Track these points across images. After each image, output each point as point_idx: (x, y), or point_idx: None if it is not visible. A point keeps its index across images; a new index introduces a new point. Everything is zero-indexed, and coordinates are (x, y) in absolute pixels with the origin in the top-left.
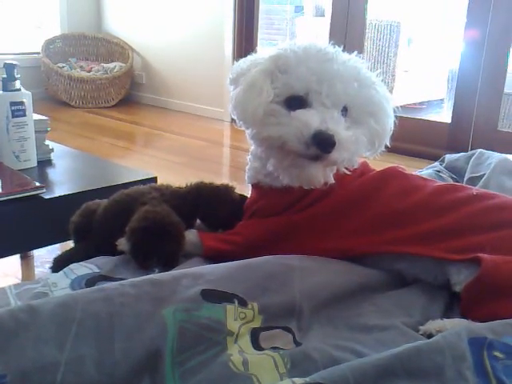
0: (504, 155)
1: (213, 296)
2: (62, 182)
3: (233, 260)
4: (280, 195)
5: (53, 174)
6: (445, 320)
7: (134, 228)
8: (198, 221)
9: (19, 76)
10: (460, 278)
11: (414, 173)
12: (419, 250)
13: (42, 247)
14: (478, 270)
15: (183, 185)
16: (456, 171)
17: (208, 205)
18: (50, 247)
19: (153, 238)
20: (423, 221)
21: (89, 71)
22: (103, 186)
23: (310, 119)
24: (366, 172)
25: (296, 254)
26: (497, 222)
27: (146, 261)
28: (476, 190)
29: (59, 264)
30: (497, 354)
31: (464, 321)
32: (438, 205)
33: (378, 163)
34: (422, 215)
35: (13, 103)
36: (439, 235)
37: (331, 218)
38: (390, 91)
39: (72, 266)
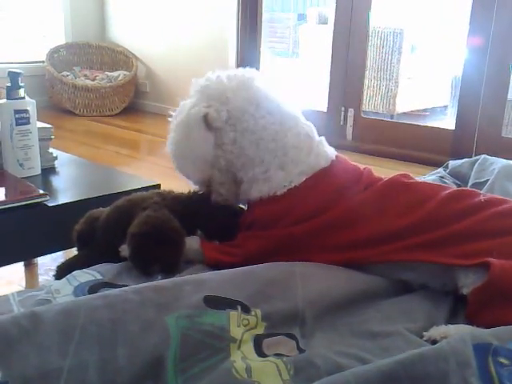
0: (508, 161)
1: (216, 302)
2: (65, 190)
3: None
4: (270, 203)
5: (56, 181)
6: (449, 326)
7: (134, 233)
8: None
9: (23, 84)
10: (467, 282)
11: (420, 179)
12: (426, 257)
13: (45, 255)
14: (486, 274)
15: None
16: (460, 177)
17: (207, 212)
18: (53, 255)
19: (152, 243)
20: (430, 230)
21: (93, 80)
22: (107, 193)
23: None
24: (372, 183)
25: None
26: (504, 228)
27: (146, 266)
28: (484, 196)
29: (62, 271)
30: (502, 360)
31: (468, 327)
32: (445, 214)
33: (383, 170)
34: (430, 226)
35: (17, 111)
36: (446, 242)
37: (334, 230)
38: (394, 98)
39: (75, 273)
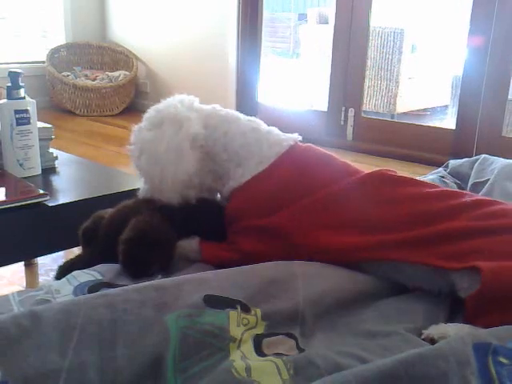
0: (508, 160)
1: (216, 302)
2: (66, 190)
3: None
4: (235, 198)
5: (57, 181)
6: (448, 325)
7: (121, 239)
8: None
9: (24, 84)
10: (464, 285)
11: (407, 176)
12: (410, 256)
13: (46, 255)
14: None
15: None
16: (460, 177)
17: (199, 215)
18: (54, 255)
19: (140, 247)
20: (412, 228)
21: (93, 80)
22: (107, 193)
23: None
24: (352, 174)
25: (288, 253)
26: (495, 227)
27: (137, 270)
28: (470, 197)
29: (63, 269)
30: (502, 359)
31: (467, 326)
32: (433, 213)
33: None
34: (416, 224)
35: (17, 111)
36: (432, 241)
37: (314, 214)
38: (394, 98)
39: (75, 273)
